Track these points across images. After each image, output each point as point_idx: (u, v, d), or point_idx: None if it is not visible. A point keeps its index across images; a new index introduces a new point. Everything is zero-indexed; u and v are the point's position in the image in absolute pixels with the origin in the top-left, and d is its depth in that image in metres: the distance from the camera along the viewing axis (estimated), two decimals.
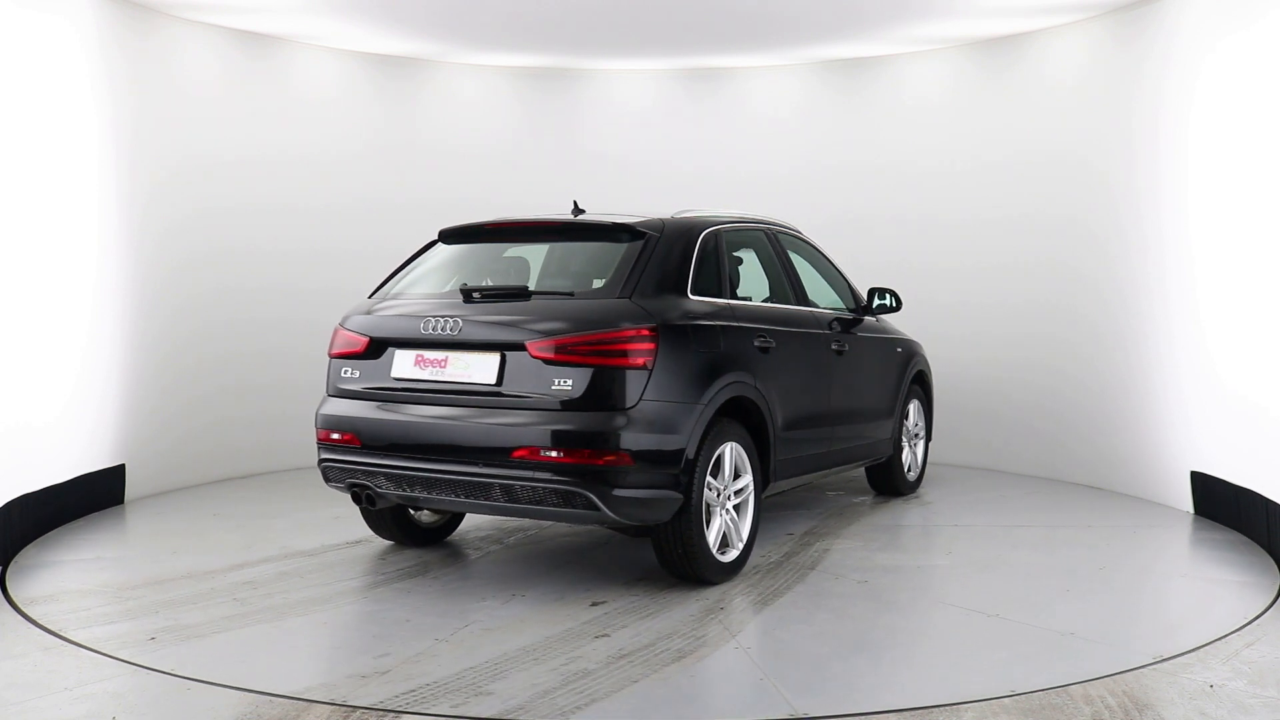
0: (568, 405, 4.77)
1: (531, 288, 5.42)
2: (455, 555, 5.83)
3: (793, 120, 9.44)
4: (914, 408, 7.61)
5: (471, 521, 6.49)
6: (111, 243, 6.98)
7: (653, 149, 9.57)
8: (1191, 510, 6.77)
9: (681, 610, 4.82)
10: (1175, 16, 6.87)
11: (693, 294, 5.24)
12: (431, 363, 5.09)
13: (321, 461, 5.33)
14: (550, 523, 6.45)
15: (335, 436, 5.24)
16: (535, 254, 5.99)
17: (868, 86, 9.16)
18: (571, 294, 5.14)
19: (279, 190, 8.41)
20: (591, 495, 4.70)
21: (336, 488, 5.40)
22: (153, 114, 7.40)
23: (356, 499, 5.37)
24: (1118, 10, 7.44)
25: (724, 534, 5.25)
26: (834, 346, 6.37)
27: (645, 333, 4.84)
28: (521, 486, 4.79)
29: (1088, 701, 3.75)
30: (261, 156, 8.29)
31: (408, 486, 5.08)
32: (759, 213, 6.60)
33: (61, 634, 4.47)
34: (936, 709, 3.70)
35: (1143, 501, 7.22)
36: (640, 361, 4.80)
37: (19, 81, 6.02)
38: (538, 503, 4.84)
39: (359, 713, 3.68)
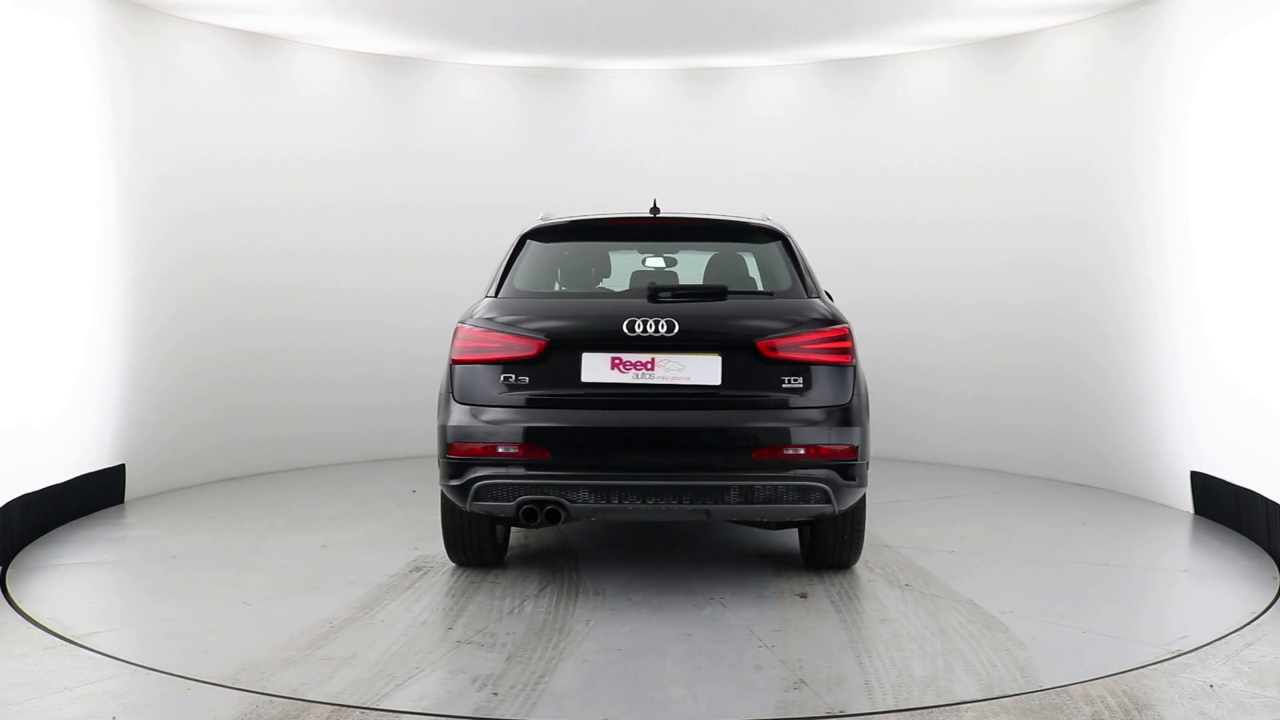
0: (801, 403, 4.84)
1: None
2: (542, 571, 5.48)
3: (792, 120, 9.44)
4: None
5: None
6: (111, 243, 6.97)
7: (652, 149, 9.57)
8: (1191, 510, 6.77)
9: (884, 594, 5.12)
10: (1175, 16, 6.87)
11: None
12: (634, 365, 4.85)
13: (479, 480, 4.80)
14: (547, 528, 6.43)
15: (505, 450, 4.80)
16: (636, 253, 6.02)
17: (867, 86, 9.16)
18: (771, 294, 5.20)
19: (279, 190, 8.41)
20: (828, 489, 4.77)
21: (493, 508, 4.86)
22: (153, 114, 7.39)
23: (530, 516, 4.82)
24: (1118, 10, 7.44)
25: None
26: None
27: (847, 330, 5.01)
28: (761, 486, 4.75)
29: (1088, 701, 3.75)
30: (261, 156, 8.28)
31: (617, 498, 4.76)
32: (756, 212, 6.60)
33: (61, 634, 4.47)
34: (937, 709, 3.71)
35: (1143, 501, 7.22)
36: (849, 359, 4.97)
37: (19, 81, 6.02)
38: (773, 501, 4.78)
39: (358, 713, 3.68)
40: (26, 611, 4.78)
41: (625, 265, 6.41)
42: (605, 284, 5.85)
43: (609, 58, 9.20)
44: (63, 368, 6.41)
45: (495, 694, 3.89)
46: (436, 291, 9.08)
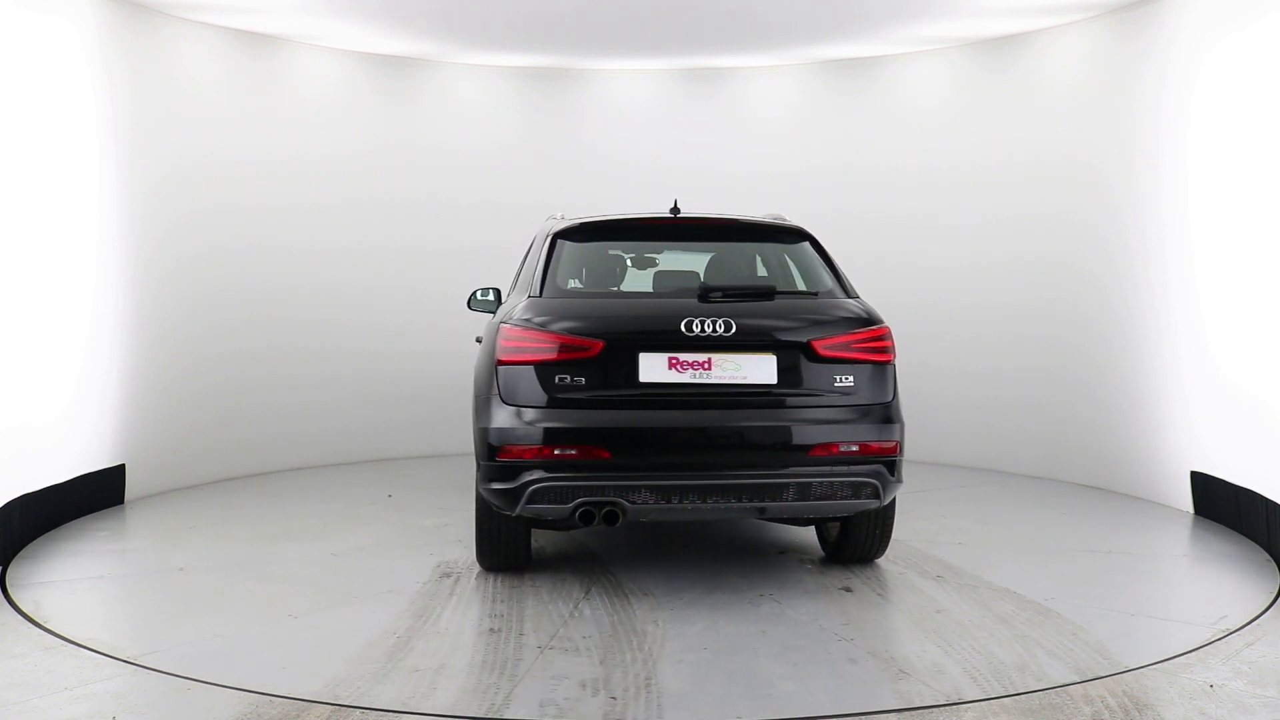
0: (851, 401, 4.93)
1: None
2: (575, 573, 5.43)
3: (791, 120, 9.44)
4: None
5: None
6: (111, 243, 6.97)
7: (652, 149, 9.57)
8: (1191, 510, 6.77)
9: (922, 585, 5.25)
10: (1175, 16, 6.87)
11: None
12: (691, 365, 4.84)
13: (534, 482, 4.70)
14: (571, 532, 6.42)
15: (562, 452, 4.73)
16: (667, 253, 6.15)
17: (867, 87, 9.16)
18: (816, 294, 5.24)
19: (279, 190, 8.41)
20: (879, 485, 4.88)
21: (547, 510, 4.77)
22: (153, 114, 7.39)
23: (587, 518, 4.74)
24: (1118, 10, 7.44)
25: None
26: None
27: (888, 330, 5.12)
28: (818, 483, 4.81)
29: (1088, 701, 3.75)
30: (261, 156, 8.28)
31: (677, 498, 4.75)
32: (760, 211, 6.59)
33: (61, 634, 4.46)
34: (936, 709, 3.71)
35: (1143, 501, 7.22)
36: (890, 357, 5.08)
37: (19, 81, 6.02)
38: (828, 497, 4.84)
39: (358, 712, 3.67)
40: (27, 611, 4.77)
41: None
42: (627, 283, 5.86)
43: (609, 58, 9.20)
44: (63, 368, 6.41)
45: (613, 698, 3.83)
46: (436, 291, 9.09)
